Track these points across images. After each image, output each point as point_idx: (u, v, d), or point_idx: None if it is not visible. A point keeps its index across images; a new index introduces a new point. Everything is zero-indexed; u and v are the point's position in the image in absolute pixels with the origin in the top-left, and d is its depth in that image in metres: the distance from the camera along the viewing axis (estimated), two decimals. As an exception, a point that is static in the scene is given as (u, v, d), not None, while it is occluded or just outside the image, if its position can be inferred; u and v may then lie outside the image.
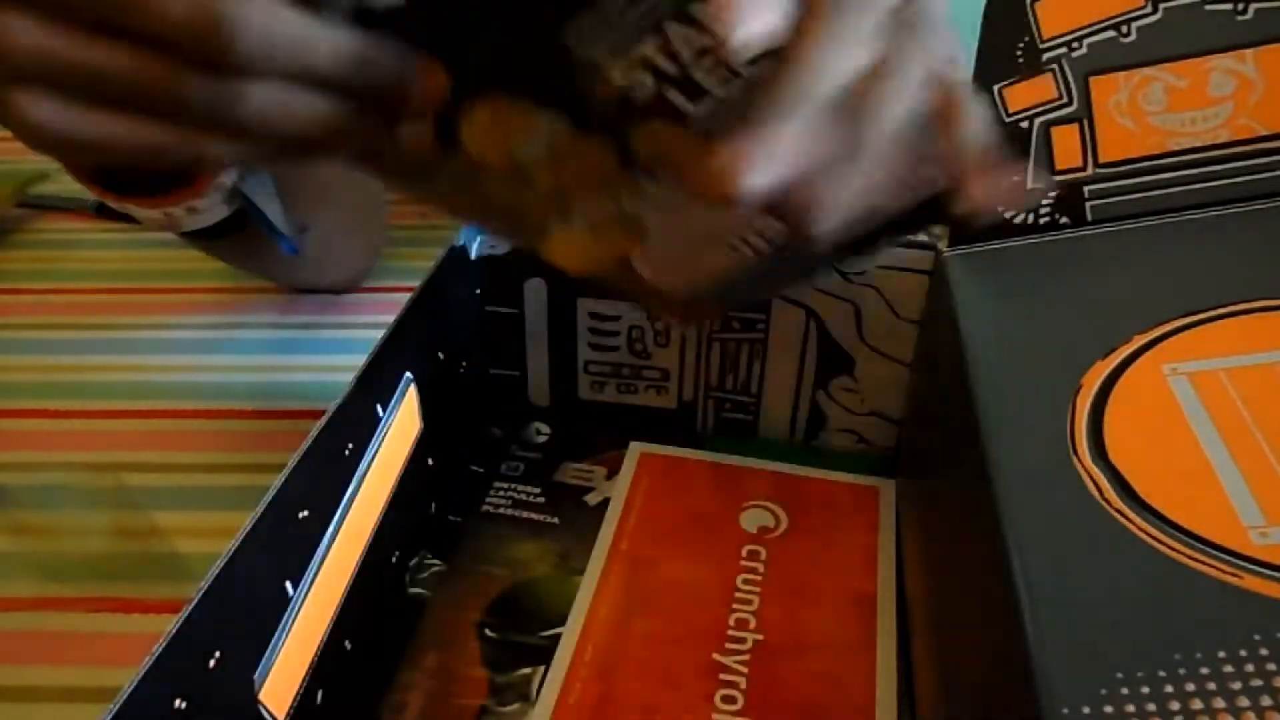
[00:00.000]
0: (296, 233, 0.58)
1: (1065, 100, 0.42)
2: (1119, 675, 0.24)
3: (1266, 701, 0.23)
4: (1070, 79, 0.42)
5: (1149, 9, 0.41)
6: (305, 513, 0.35)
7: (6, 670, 0.42)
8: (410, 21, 0.27)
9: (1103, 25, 0.41)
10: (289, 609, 0.34)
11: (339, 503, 0.38)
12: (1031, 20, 0.41)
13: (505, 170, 0.29)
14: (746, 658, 0.42)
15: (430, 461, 0.47)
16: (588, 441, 0.54)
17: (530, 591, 0.46)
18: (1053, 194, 0.43)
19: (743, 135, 0.24)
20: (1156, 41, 0.41)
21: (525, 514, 0.50)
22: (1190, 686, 0.24)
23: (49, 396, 0.58)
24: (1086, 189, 0.43)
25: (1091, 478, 0.30)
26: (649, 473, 0.52)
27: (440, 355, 0.47)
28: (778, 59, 0.24)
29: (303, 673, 0.36)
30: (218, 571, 0.30)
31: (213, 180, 0.47)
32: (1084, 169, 0.43)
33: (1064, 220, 0.44)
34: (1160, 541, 0.28)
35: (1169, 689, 0.24)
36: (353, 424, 0.38)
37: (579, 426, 0.55)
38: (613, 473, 0.52)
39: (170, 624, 0.28)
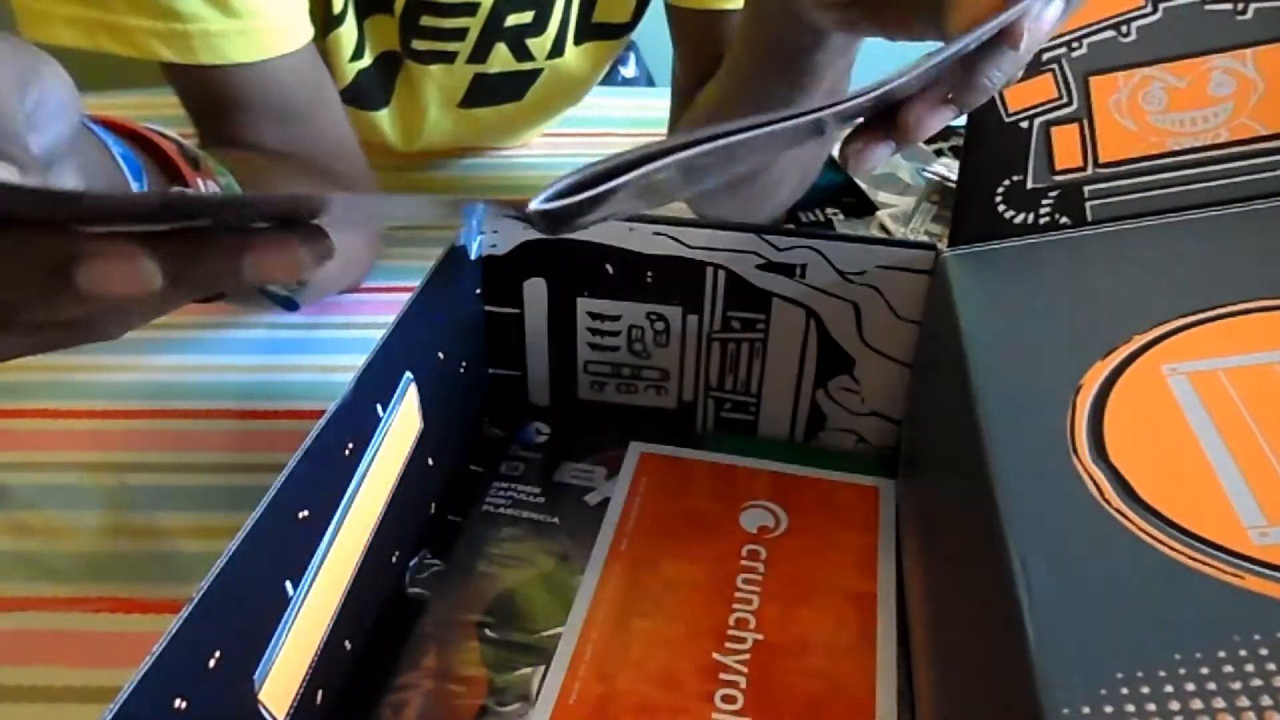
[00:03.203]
0: (294, 286, 0.58)
1: (1065, 100, 0.42)
2: (1119, 675, 0.24)
3: (1266, 701, 0.23)
4: (1070, 79, 0.42)
5: (1149, 9, 0.41)
6: (305, 513, 0.35)
7: (6, 670, 0.42)
8: None
9: (1103, 25, 0.42)
10: (289, 609, 0.34)
11: (339, 503, 0.38)
12: (1031, 20, 0.41)
13: None
14: (746, 657, 0.42)
15: (430, 461, 0.47)
16: (588, 441, 0.54)
17: (530, 591, 0.46)
18: (1053, 194, 0.43)
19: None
20: (1156, 41, 0.41)
21: (525, 514, 0.50)
22: (1190, 686, 0.24)
23: (49, 396, 0.57)
24: (1086, 189, 0.43)
25: (1091, 478, 0.30)
26: (649, 473, 0.52)
27: (440, 355, 0.47)
28: None
29: (303, 673, 0.36)
30: (218, 571, 0.30)
31: None
32: (1084, 169, 0.43)
33: (1064, 220, 0.44)
34: (1160, 541, 0.28)
35: (1169, 689, 0.24)
36: (353, 424, 0.38)
37: (579, 426, 0.55)
38: (613, 473, 0.52)
39: (170, 624, 0.28)
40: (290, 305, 0.59)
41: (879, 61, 0.55)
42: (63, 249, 0.23)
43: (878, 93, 0.31)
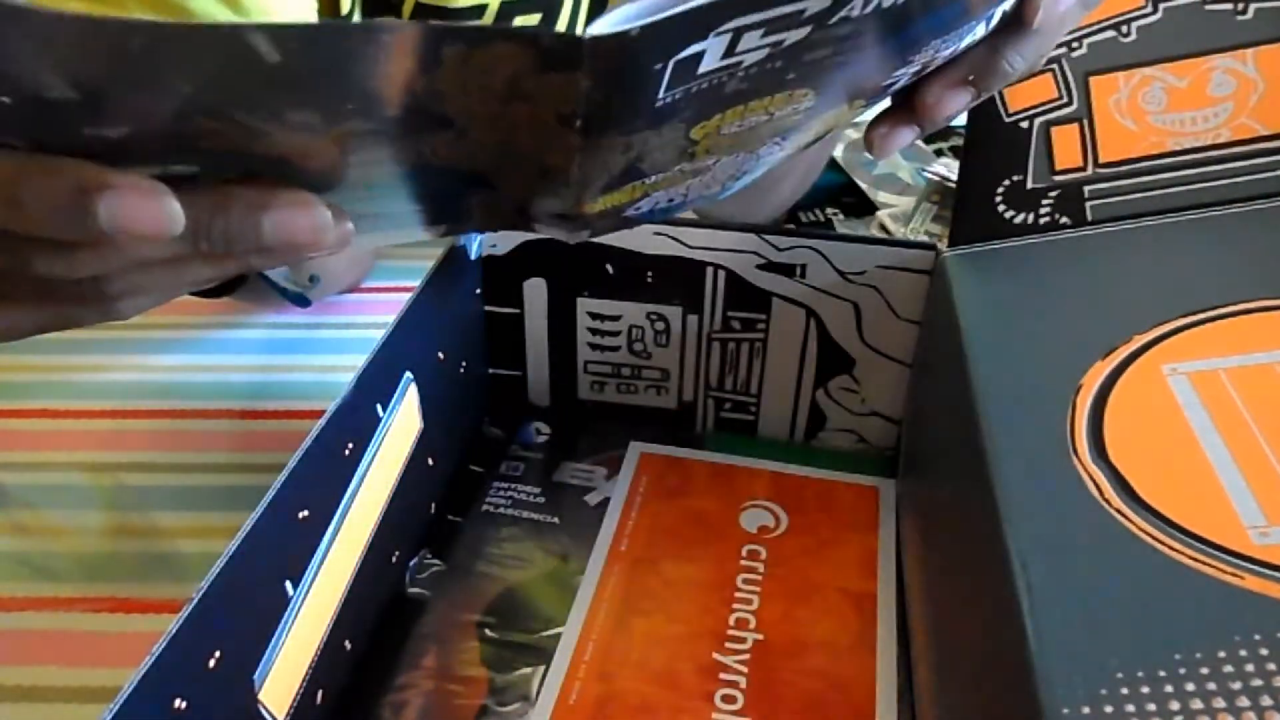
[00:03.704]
0: (306, 284, 0.58)
1: (1065, 100, 0.42)
2: (1119, 675, 0.24)
3: (1266, 701, 0.23)
4: (1070, 78, 0.42)
5: (1149, 9, 0.41)
6: (305, 513, 0.35)
7: (6, 670, 0.42)
8: None
9: (1103, 25, 0.42)
10: (289, 609, 0.34)
11: (339, 503, 0.37)
12: (1031, 20, 0.41)
13: None
14: (746, 657, 0.42)
15: (430, 461, 0.47)
16: (588, 441, 0.54)
17: (530, 591, 0.46)
18: (1053, 194, 0.43)
19: None
20: (1156, 41, 0.41)
21: (525, 514, 0.50)
22: (1190, 686, 0.24)
23: (49, 396, 0.57)
24: (1086, 189, 0.43)
25: (1091, 478, 0.30)
26: (649, 473, 0.52)
27: (440, 355, 0.47)
28: None
29: (303, 673, 0.36)
30: (218, 571, 0.30)
31: None
32: (1084, 169, 0.43)
33: (1064, 220, 0.44)
34: (1160, 541, 0.28)
35: (1169, 689, 0.24)
36: (353, 424, 0.38)
37: (579, 426, 0.55)
38: (613, 473, 0.52)
39: (170, 624, 0.28)
40: (302, 301, 0.59)
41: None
42: (89, 175, 0.23)
43: None
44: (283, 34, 0.21)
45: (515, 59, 0.23)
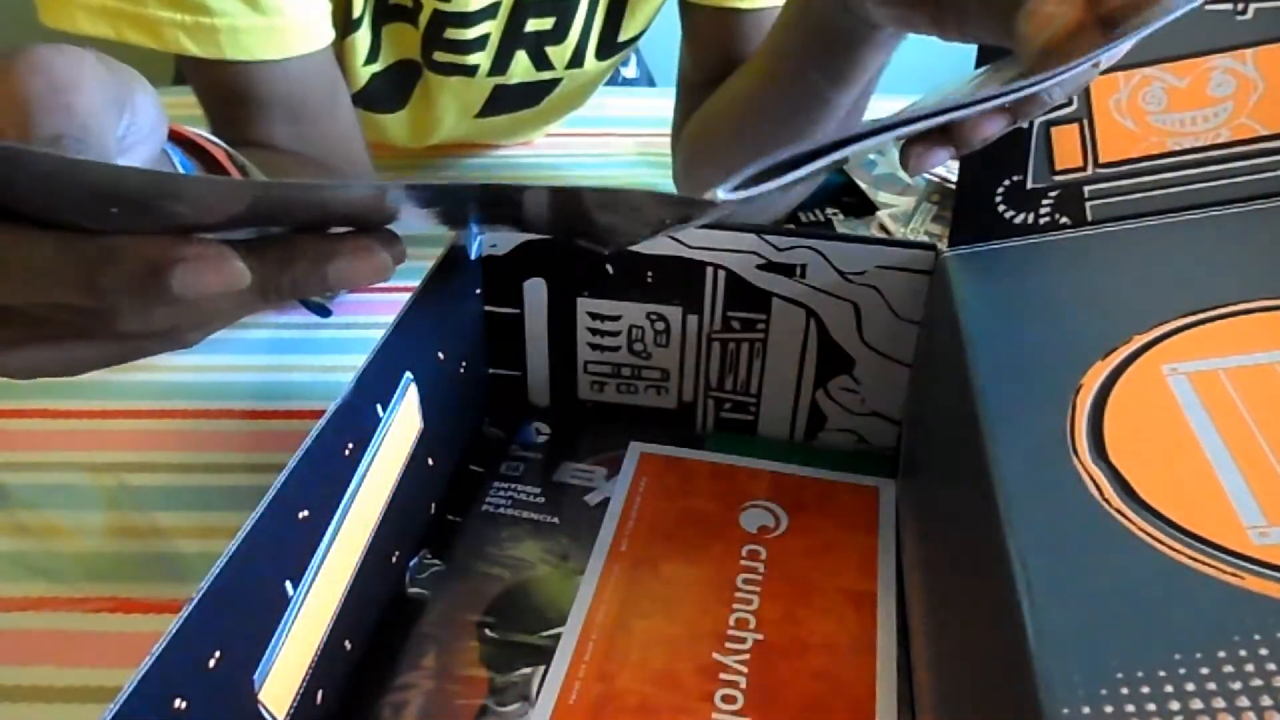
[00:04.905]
0: (328, 297, 0.58)
1: (1065, 100, 0.42)
2: (1119, 675, 0.24)
3: (1266, 701, 0.23)
4: (1070, 79, 0.42)
5: (1149, 9, 0.41)
6: (305, 513, 0.35)
7: (6, 670, 0.42)
8: None
9: (1103, 25, 0.41)
10: (289, 609, 0.34)
11: (339, 503, 0.38)
12: (1031, 20, 0.41)
13: None
14: (746, 657, 0.42)
15: (430, 461, 0.47)
16: (588, 441, 0.54)
17: (530, 591, 0.46)
18: (1053, 194, 0.43)
19: None
20: (1156, 41, 0.41)
21: (525, 514, 0.50)
22: (1190, 686, 0.24)
23: (49, 396, 0.57)
24: (1086, 189, 0.43)
25: (1091, 478, 0.30)
26: (649, 473, 0.52)
27: (440, 355, 0.47)
28: None
29: (303, 673, 0.36)
30: (218, 571, 0.30)
31: None
32: (1084, 169, 0.43)
33: (1064, 220, 0.44)
34: (1160, 541, 0.28)
35: (1169, 689, 0.24)
36: (353, 424, 0.38)
37: (579, 426, 0.55)
38: (613, 473, 0.52)
39: (170, 624, 0.28)
40: (324, 312, 0.59)
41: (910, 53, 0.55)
42: (157, 253, 0.24)
43: (956, 114, 0.31)
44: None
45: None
